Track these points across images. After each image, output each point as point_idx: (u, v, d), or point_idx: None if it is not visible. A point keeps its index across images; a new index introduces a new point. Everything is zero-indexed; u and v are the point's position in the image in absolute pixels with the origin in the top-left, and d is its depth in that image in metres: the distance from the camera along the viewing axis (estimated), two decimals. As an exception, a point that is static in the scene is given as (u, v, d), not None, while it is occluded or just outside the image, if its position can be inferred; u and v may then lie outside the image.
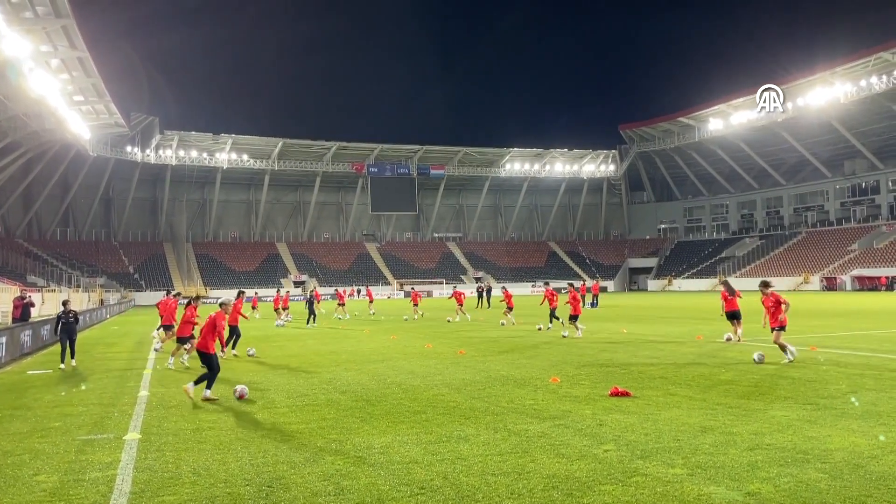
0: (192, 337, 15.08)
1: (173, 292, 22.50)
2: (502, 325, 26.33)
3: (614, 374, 12.56)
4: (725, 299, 18.36)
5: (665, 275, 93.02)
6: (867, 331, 21.06)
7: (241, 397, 10.83)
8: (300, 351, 18.64)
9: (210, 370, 10.99)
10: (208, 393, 10.86)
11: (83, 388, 12.73)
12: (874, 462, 6.46)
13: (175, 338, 16.22)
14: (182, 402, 10.81)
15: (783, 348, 13.56)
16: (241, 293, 21.46)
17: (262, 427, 8.74)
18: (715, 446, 7.17)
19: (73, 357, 16.19)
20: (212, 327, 11.21)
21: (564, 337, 20.37)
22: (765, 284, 14.48)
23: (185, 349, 15.83)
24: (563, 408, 9.49)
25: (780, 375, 11.94)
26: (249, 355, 17.52)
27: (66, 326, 16.07)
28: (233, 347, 17.92)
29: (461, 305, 30.44)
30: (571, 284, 24.36)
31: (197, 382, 10.85)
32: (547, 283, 28.81)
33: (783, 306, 13.92)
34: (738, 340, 17.62)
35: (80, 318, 31.67)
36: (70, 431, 8.81)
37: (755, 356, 13.71)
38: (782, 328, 13.84)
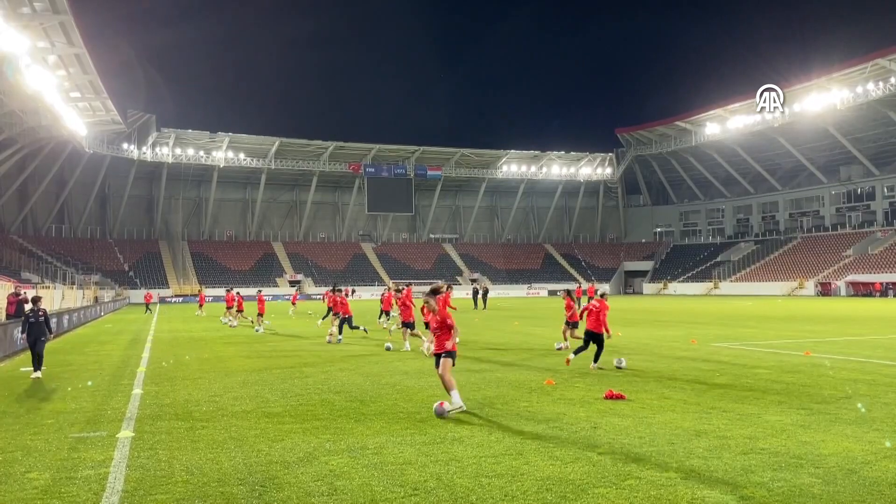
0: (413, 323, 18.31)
1: (392, 287, 22.36)
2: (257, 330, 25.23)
3: (609, 377, 12.56)
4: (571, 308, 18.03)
5: (660, 278, 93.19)
6: (861, 336, 21.12)
7: (619, 367, 13.35)
8: (293, 349, 18.61)
9: (600, 347, 13.48)
10: (594, 366, 13.30)
11: (75, 385, 12.67)
12: (867, 467, 6.47)
13: (401, 322, 18.95)
14: (175, 400, 10.78)
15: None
16: (449, 286, 22.30)
17: (256, 426, 8.71)
18: (709, 450, 7.17)
19: (38, 366, 13.90)
20: (596, 313, 13.51)
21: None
22: (434, 291, 11.23)
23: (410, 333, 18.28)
24: (558, 410, 9.49)
25: (775, 380, 11.97)
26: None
27: (34, 327, 14.01)
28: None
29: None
30: (339, 290, 22.55)
31: (596, 360, 13.40)
32: (338, 290, 23.28)
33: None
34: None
35: (74, 315, 31.55)
36: (63, 429, 8.77)
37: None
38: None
